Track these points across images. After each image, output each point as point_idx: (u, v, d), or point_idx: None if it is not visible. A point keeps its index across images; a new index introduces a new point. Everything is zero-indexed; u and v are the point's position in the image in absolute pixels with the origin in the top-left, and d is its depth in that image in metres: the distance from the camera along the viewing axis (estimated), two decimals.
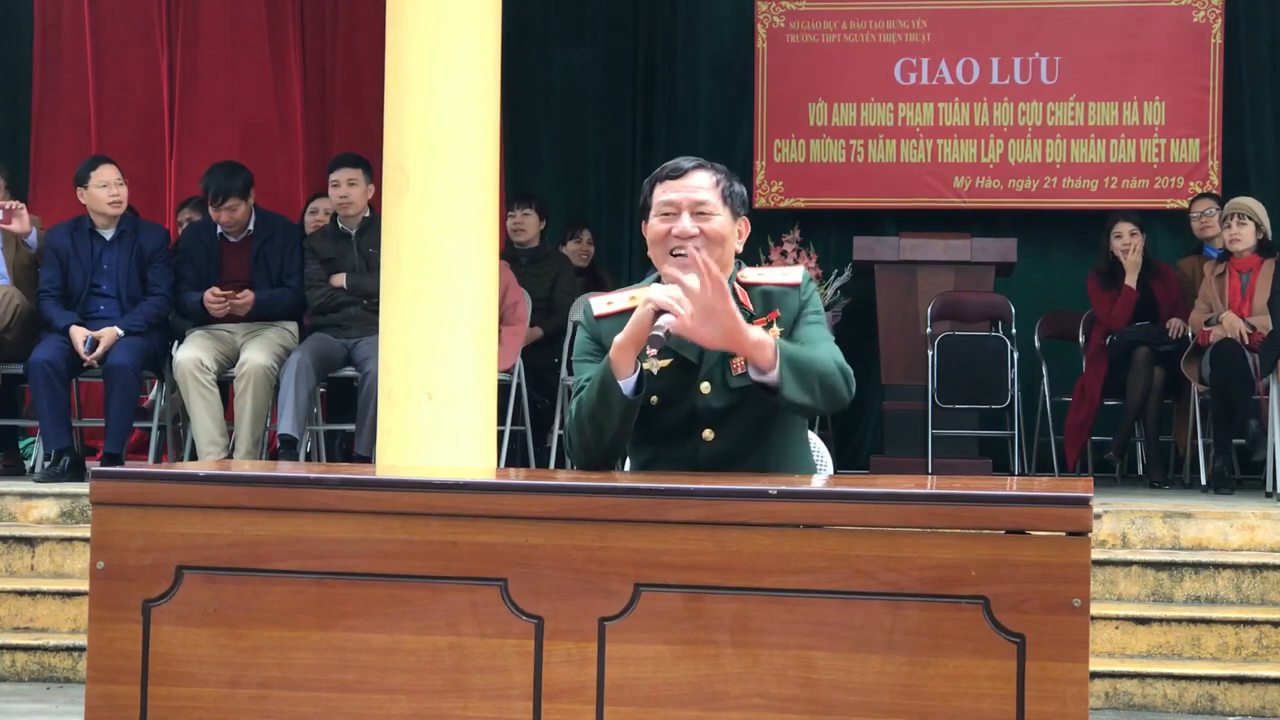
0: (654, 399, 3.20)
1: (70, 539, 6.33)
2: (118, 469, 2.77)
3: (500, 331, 5.88)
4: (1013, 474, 8.12)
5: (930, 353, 8.02)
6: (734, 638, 2.53)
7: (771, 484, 2.63)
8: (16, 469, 7.97)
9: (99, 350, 7.16)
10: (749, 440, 3.23)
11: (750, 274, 3.32)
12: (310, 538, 2.64)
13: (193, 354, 7.18)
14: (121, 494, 2.70)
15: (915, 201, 9.58)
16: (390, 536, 2.63)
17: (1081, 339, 8.43)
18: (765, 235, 8.98)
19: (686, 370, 3.22)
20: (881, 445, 8.62)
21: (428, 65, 5.36)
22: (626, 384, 3.11)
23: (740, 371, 3.19)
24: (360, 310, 7.29)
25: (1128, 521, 6.30)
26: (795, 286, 3.28)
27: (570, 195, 9.82)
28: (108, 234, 7.41)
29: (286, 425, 6.96)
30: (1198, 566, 6.05)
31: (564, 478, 2.91)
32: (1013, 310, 8.22)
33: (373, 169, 7.08)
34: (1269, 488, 7.28)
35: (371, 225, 7.24)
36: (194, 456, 7.19)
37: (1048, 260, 9.50)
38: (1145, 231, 8.19)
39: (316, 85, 9.89)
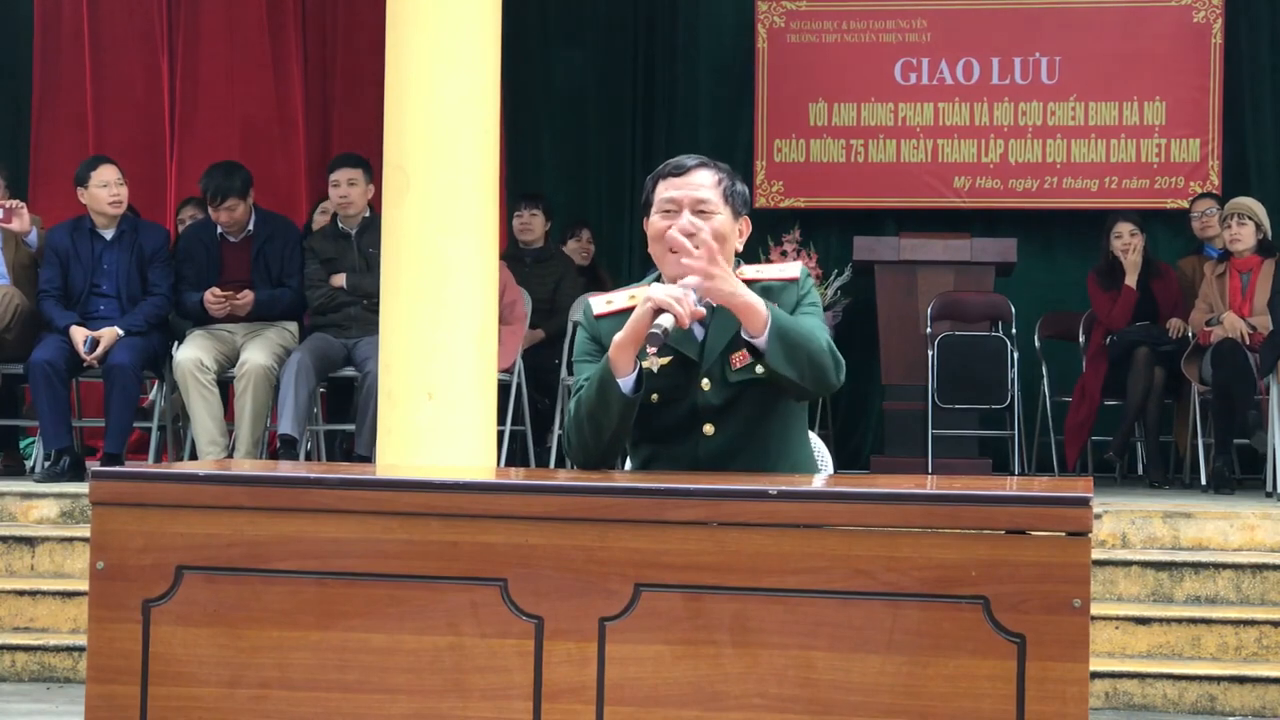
0: (654, 397, 3.21)
1: (70, 539, 6.33)
2: (118, 469, 2.77)
3: (499, 331, 5.88)
4: (1013, 474, 8.12)
5: (930, 353, 8.02)
6: (734, 638, 2.53)
7: (771, 484, 2.63)
8: (17, 469, 7.97)
9: (99, 350, 7.16)
10: (749, 435, 3.23)
11: (749, 271, 3.32)
12: (310, 538, 2.64)
13: (193, 354, 7.18)
14: (121, 494, 2.70)
15: (915, 201, 9.58)
16: (390, 536, 2.63)
17: (1081, 339, 8.43)
18: (765, 235, 8.98)
19: (687, 367, 3.23)
20: (881, 445, 8.62)
21: (428, 65, 5.36)
22: (625, 382, 3.12)
23: (740, 366, 3.20)
24: (360, 310, 7.29)
25: (1128, 521, 6.30)
26: (793, 281, 3.30)
27: (570, 195, 9.82)
28: (108, 234, 7.41)
29: (286, 425, 6.96)
30: (1198, 566, 6.05)
31: (564, 478, 2.91)
32: (1013, 310, 8.22)
33: (373, 169, 7.08)
34: (1269, 488, 7.28)
35: (371, 225, 7.24)
36: (194, 456, 7.19)
37: (1048, 260, 9.50)
38: (1145, 231, 8.19)
39: (317, 85, 9.89)
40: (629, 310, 3.19)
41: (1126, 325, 8.03)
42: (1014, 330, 8.20)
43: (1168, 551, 6.22)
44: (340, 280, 7.38)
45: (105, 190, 7.35)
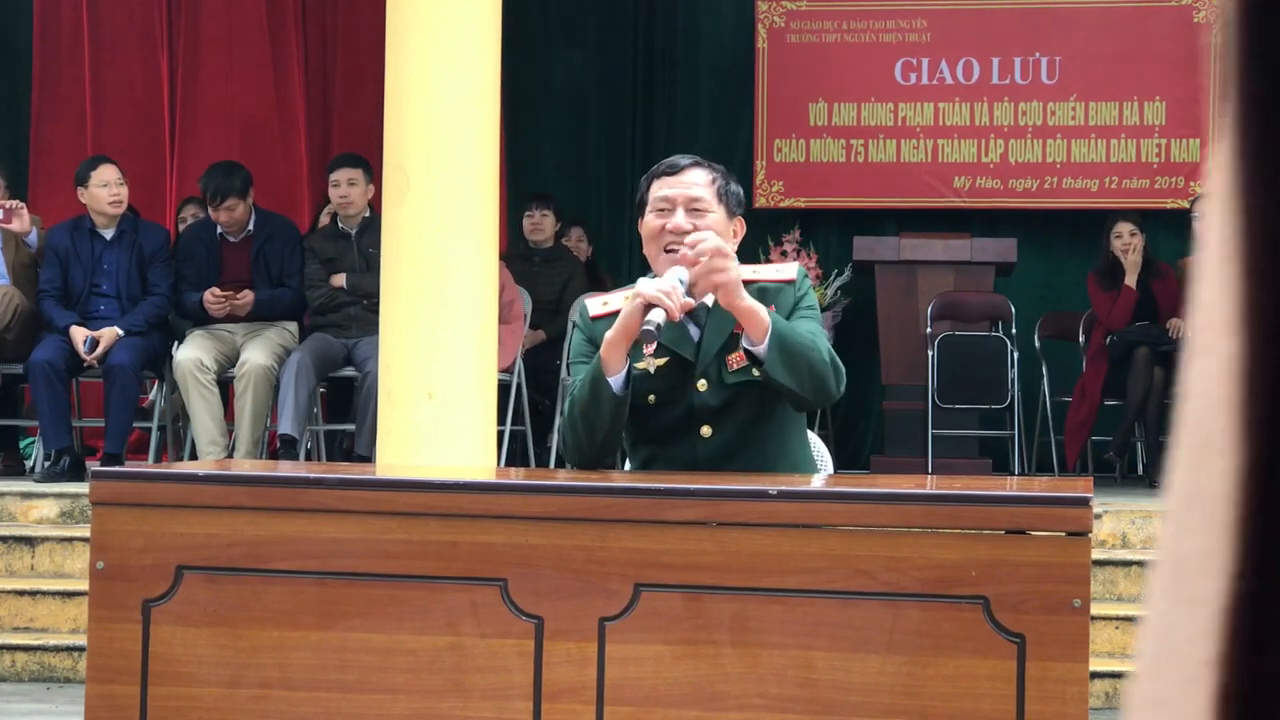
0: (651, 398, 3.21)
1: (70, 539, 6.33)
2: (117, 469, 2.78)
3: (498, 331, 5.89)
4: (1013, 474, 8.12)
5: (930, 353, 8.02)
6: (734, 638, 2.53)
7: (771, 484, 2.63)
8: (16, 469, 7.97)
9: (99, 350, 7.16)
10: (747, 436, 3.23)
11: (745, 271, 3.32)
12: (310, 538, 2.64)
13: (193, 354, 7.19)
14: (121, 494, 2.71)
15: (915, 201, 9.58)
16: (390, 536, 2.63)
17: (1081, 339, 8.43)
18: (765, 235, 8.98)
19: (683, 368, 3.23)
20: (881, 445, 8.62)
21: (428, 65, 5.36)
22: (616, 380, 3.12)
23: (735, 368, 3.20)
24: (360, 310, 7.29)
25: (1128, 521, 6.30)
26: (790, 283, 3.30)
27: (570, 195, 9.81)
28: (108, 234, 7.41)
29: (286, 425, 6.97)
30: None
31: (564, 478, 2.91)
32: (1013, 310, 8.22)
33: (373, 169, 7.08)
34: None
35: (371, 225, 7.24)
36: (194, 456, 7.19)
37: (1048, 260, 9.50)
38: (1145, 231, 8.19)
39: (317, 85, 9.90)
40: None
41: (1126, 325, 8.03)
42: (1014, 330, 8.20)
43: None
44: (340, 280, 7.38)
45: (105, 190, 7.35)
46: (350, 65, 9.75)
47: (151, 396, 7.88)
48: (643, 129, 9.97)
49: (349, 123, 9.65)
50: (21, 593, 6.09)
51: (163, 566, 2.67)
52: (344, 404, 7.86)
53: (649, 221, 3.28)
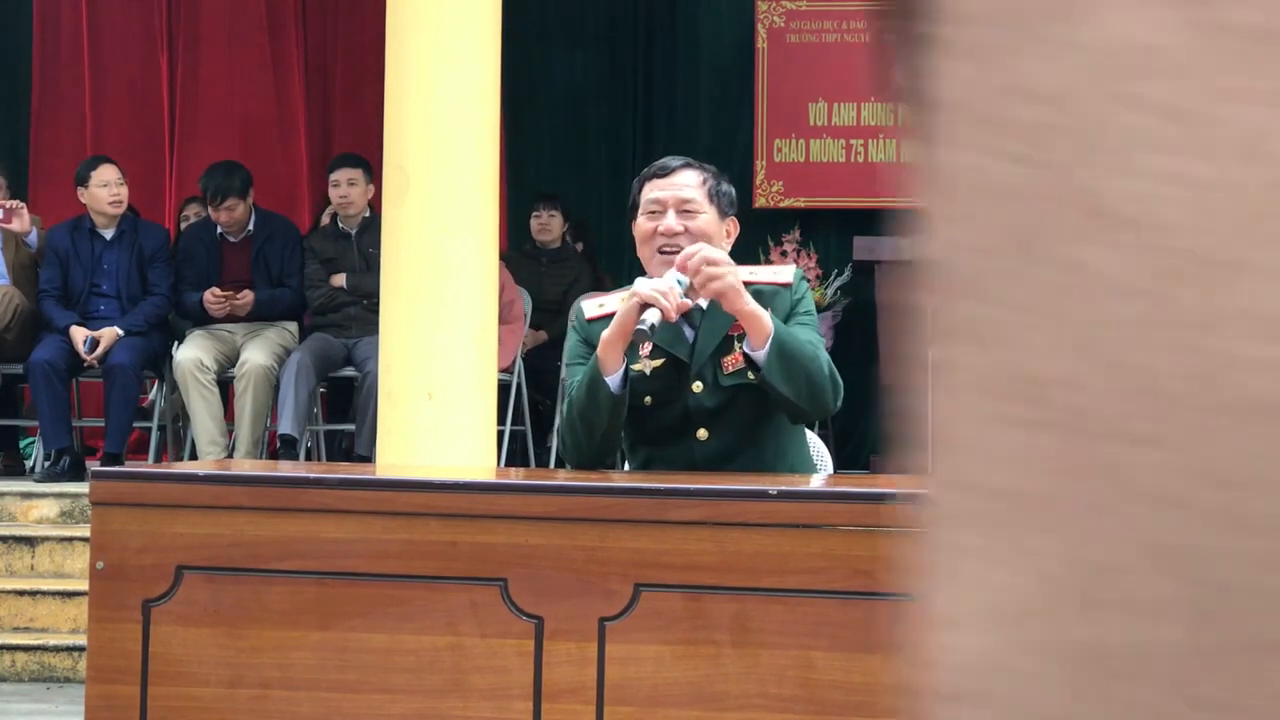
0: (648, 399, 3.21)
1: (70, 539, 6.33)
2: (118, 469, 2.78)
3: (498, 330, 5.89)
4: None
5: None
6: (734, 638, 2.53)
7: (771, 484, 2.63)
8: (17, 469, 7.97)
9: (99, 350, 7.16)
10: (744, 438, 3.22)
11: (742, 273, 3.32)
12: (310, 538, 2.64)
13: (193, 354, 7.18)
14: (121, 494, 2.70)
15: None
16: (390, 536, 2.63)
17: None
18: (765, 235, 8.98)
19: (678, 369, 3.22)
20: (881, 445, 8.62)
21: (428, 65, 5.36)
22: (613, 380, 3.12)
23: (731, 370, 3.19)
24: (360, 310, 7.29)
25: None
26: (787, 286, 3.28)
27: (570, 195, 9.81)
28: (108, 234, 7.41)
29: (286, 425, 6.97)
30: None
31: (564, 478, 2.91)
32: None
33: (373, 169, 7.08)
34: None
35: (371, 225, 7.24)
36: (194, 456, 7.19)
37: None
38: None
39: (317, 85, 9.90)
40: None
41: None
42: None
43: None
44: (340, 280, 7.38)
45: (105, 190, 7.35)
46: (350, 65, 9.75)
47: (151, 396, 7.88)
48: (643, 129, 9.97)
49: (349, 123, 9.65)
50: (21, 593, 6.09)
51: (163, 566, 2.67)
52: (344, 404, 7.86)
53: (641, 224, 3.28)
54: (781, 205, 9.66)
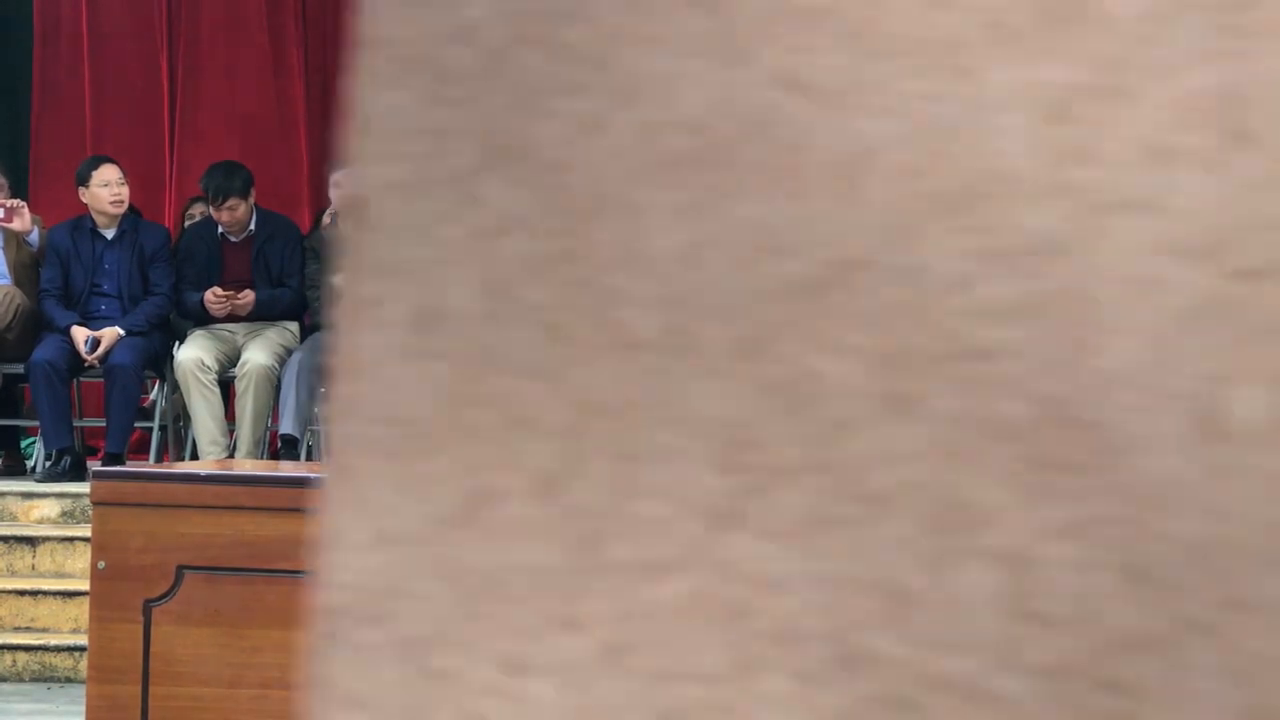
0: None
1: (71, 539, 6.33)
2: (119, 469, 2.78)
3: None
4: None
5: None
6: None
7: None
8: (18, 469, 7.97)
9: (100, 350, 7.17)
10: None
11: None
12: (310, 538, 2.64)
13: (194, 354, 7.19)
14: (122, 494, 2.71)
15: None
16: None
17: None
18: None
19: None
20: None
21: None
22: None
23: None
24: None
25: None
26: None
27: None
28: (109, 233, 7.41)
29: (288, 425, 6.97)
30: None
31: None
32: None
33: None
34: None
35: None
36: (195, 456, 7.19)
37: None
38: None
39: (317, 85, 9.89)
40: None
41: None
42: None
43: None
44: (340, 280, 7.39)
45: (106, 190, 7.36)
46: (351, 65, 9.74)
47: (152, 396, 7.88)
48: None
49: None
50: (22, 593, 6.09)
51: (163, 566, 2.67)
52: None
53: None
54: None
